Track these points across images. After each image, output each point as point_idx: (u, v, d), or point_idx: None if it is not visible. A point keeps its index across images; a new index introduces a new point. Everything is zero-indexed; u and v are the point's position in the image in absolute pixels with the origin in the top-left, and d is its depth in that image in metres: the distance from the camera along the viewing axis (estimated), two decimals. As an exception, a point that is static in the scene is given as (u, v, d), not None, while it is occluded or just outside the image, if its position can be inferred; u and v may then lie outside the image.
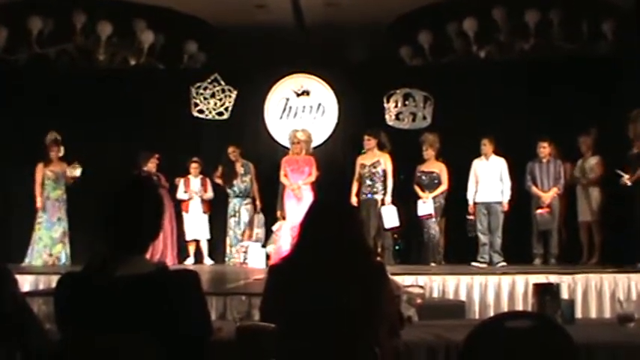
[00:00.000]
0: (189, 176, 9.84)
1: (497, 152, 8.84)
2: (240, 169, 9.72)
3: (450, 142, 9.14)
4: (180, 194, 9.76)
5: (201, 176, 9.85)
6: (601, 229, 8.66)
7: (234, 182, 9.69)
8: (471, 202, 8.87)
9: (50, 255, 9.07)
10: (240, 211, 9.69)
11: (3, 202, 10.02)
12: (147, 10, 9.60)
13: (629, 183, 8.02)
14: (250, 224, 9.66)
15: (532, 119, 9.38)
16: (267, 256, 9.07)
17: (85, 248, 8.74)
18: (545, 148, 8.72)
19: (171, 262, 9.17)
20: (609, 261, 8.07)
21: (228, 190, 9.75)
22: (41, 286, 7.09)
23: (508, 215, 8.73)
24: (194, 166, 9.80)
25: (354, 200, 8.73)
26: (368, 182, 8.84)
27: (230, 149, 9.75)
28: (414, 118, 9.99)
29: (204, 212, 9.83)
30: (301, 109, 10.34)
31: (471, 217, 8.88)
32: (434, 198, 8.85)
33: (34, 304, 4.72)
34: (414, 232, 9.19)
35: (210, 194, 9.84)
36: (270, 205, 9.63)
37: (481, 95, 9.56)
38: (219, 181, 9.82)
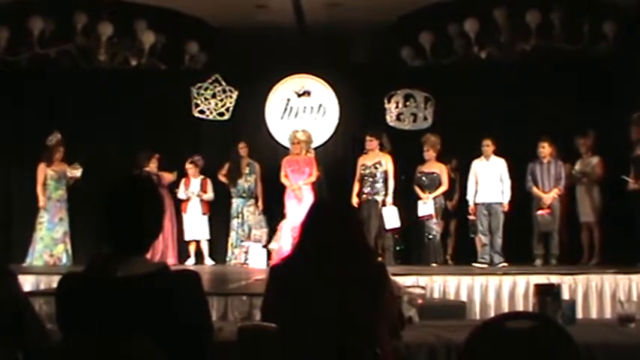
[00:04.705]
0: (190, 177, 9.83)
1: (497, 153, 8.85)
2: (245, 169, 9.72)
3: (450, 142, 9.17)
4: (180, 194, 9.76)
5: (201, 177, 9.85)
6: (602, 230, 8.66)
7: (238, 181, 9.68)
8: (471, 203, 8.88)
9: (51, 255, 9.07)
10: (244, 212, 9.68)
11: (4, 202, 10.03)
12: (148, 11, 9.59)
13: (636, 186, 8.02)
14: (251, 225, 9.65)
15: (533, 120, 9.38)
16: (269, 257, 9.07)
17: (86, 248, 8.76)
18: (545, 149, 8.71)
19: (171, 262, 9.17)
20: (610, 261, 8.07)
21: (232, 190, 9.74)
22: (42, 287, 7.10)
23: (509, 216, 8.73)
24: (189, 167, 9.77)
25: (354, 201, 8.73)
26: (369, 183, 8.84)
27: (240, 144, 9.75)
28: (414, 118, 9.98)
29: (204, 213, 9.79)
30: (302, 110, 10.34)
31: (472, 218, 8.89)
32: (434, 198, 8.86)
33: (35, 304, 4.73)
34: (415, 232, 9.20)
35: (209, 195, 9.81)
36: (271, 206, 9.63)
37: (482, 96, 9.57)
38: (223, 179, 9.81)
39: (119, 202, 2.28)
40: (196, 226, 9.75)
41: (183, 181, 9.81)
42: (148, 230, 2.30)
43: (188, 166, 9.75)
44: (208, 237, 9.83)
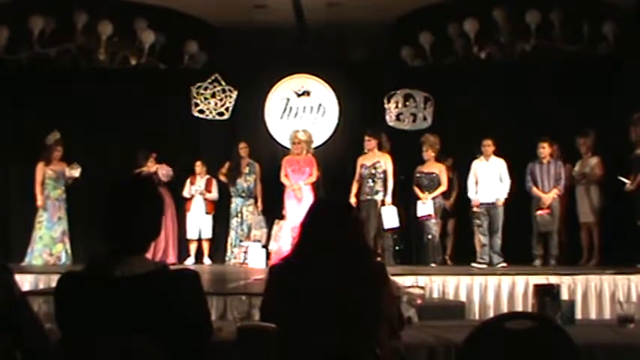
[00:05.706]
0: (197, 176, 9.85)
1: (497, 153, 8.85)
2: (245, 169, 9.72)
3: (450, 142, 9.17)
4: (185, 192, 9.80)
5: (207, 176, 9.86)
6: (601, 230, 8.65)
7: (238, 181, 9.68)
8: (473, 199, 8.86)
9: (50, 254, 9.07)
10: (243, 211, 9.67)
11: (3, 202, 10.03)
12: (148, 10, 9.61)
13: (632, 187, 8.02)
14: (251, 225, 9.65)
15: (532, 120, 9.37)
16: (268, 256, 9.07)
17: (85, 248, 8.78)
18: (545, 149, 8.71)
19: (171, 261, 9.20)
20: (609, 262, 8.07)
21: (231, 189, 9.74)
22: (41, 286, 7.10)
23: (508, 216, 8.73)
24: (198, 164, 9.81)
25: (353, 200, 8.73)
26: (368, 183, 8.84)
27: (241, 145, 9.75)
28: (414, 118, 9.98)
29: (208, 213, 9.82)
30: (302, 110, 10.33)
31: (477, 210, 8.80)
32: (433, 199, 8.86)
33: (34, 303, 4.73)
34: (414, 232, 9.20)
35: (213, 195, 9.82)
36: (270, 206, 9.63)
37: (482, 96, 9.56)
38: (223, 178, 9.80)
39: (119, 202, 2.28)
40: (199, 225, 9.77)
41: (189, 179, 9.83)
42: (147, 230, 2.30)
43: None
44: (210, 236, 9.84)
